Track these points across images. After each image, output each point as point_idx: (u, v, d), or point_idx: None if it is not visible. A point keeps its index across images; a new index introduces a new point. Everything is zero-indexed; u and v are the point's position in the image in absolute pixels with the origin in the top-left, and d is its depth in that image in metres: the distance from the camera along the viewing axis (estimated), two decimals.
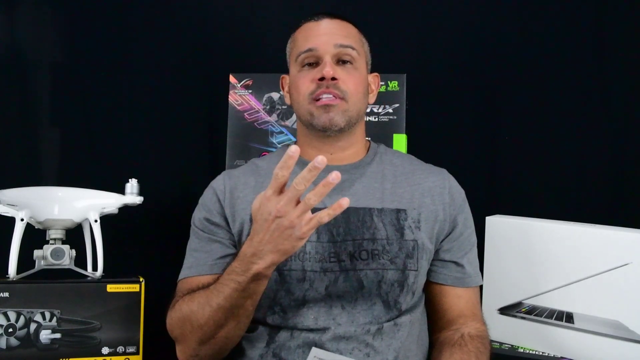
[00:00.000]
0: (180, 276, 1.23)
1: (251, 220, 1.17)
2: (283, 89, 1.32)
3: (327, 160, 1.22)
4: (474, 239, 1.28)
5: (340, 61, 1.21)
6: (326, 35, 1.21)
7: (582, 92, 1.66)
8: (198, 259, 1.22)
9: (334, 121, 1.19)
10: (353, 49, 1.22)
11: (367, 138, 1.33)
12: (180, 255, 1.27)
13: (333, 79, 1.18)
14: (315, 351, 1.00)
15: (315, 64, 1.21)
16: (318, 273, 1.14)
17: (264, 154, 1.53)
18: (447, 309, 1.24)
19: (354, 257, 1.15)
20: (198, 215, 1.25)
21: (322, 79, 1.18)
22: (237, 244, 1.20)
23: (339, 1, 1.60)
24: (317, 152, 1.23)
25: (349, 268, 1.14)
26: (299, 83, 1.22)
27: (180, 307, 1.14)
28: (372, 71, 1.31)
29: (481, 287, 1.31)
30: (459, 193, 1.26)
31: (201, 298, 1.11)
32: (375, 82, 1.31)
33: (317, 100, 1.19)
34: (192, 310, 1.11)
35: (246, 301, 1.07)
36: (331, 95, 1.18)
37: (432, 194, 1.23)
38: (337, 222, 1.17)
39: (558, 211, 1.43)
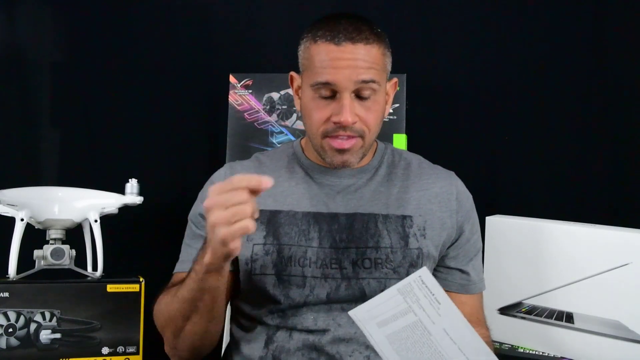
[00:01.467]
0: (175, 269, 1.24)
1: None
2: (292, 85, 1.23)
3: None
4: (479, 244, 1.25)
5: (360, 95, 1.11)
6: (347, 69, 1.08)
7: (582, 92, 1.66)
8: (189, 254, 1.21)
9: (347, 162, 1.14)
10: (374, 82, 1.10)
11: None
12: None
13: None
14: (423, 271, 0.92)
15: (331, 95, 1.11)
16: (319, 279, 1.13)
17: (267, 152, 1.52)
18: None
19: (357, 265, 1.14)
20: (194, 209, 1.23)
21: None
22: None
23: (340, 1, 1.60)
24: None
25: (351, 276, 1.13)
26: (313, 115, 1.13)
27: (160, 301, 1.15)
28: None
29: None
30: (467, 198, 1.23)
31: (173, 291, 1.11)
32: (393, 88, 1.21)
33: (332, 137, 1.12)
34: (167, 302, 1.12)
35: (204, 295, 1.05)
36: (346, 137, 1.12)
37: (439, 200, 1.20)
38: (340, 228, 1.15)
39: (558, 211, 1.43)
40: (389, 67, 1.18)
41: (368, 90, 1.10)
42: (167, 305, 1.12)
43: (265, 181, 0.91)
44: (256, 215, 0.92)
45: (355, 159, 1.15)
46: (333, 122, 1.10)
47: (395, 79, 1.22)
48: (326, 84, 1.10)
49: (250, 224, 0.91)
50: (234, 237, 0.92)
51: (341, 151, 1.12)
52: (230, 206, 0.91)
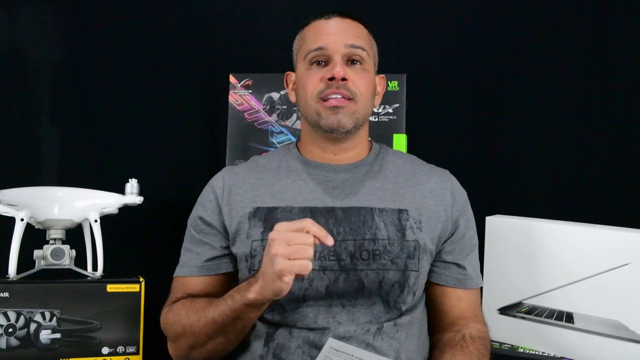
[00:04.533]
0: (175, 273, 1.26)
1: (249, 219, 1.18)
2: (287, 85, 1.30)
3: (330, 160, 1.23)
4: (475, 240, 1.28)
5: (350, 61, 1.19)
6: (337, 35, 1.19)
7: (582, 92, 1.66)
8: (189, 258, 1.24)
9: (341, 123, 1.17)
10: (363, 49, 1.20)
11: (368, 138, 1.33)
12: (180, 255, 1.27)
13: (343, 79, 1.16)
14: (331, 342, 0.98)
15: (324, 62, 1.19)
16: (317, 272, 1.14)
17: (264, 154, 1.53)
18: (449, 311, 1.24)
19: (355, 257, 1.15)
20: (194, 213, 1.26)
21: (331, 78, 1.16)
22: (233, 243, 1.20)
23: (339, 2, 1.60)
24: (321, 151, 1.23)
25: (349, 268, 1.14)
26: (307, 81, 1.19)
27: (179, 311, 1.17)
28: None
29: (481, 287, 1.31)
30: (461, 194, 1.26)
31: (200, 308, 1.13)
32: (381, 84, 1.29)
33: (326, 100, 1.17)
34: (190, 317, 1.14)
35: (236, 322, 1.09)
36: (340, 96, 1.17)
37: (433, 194, 1.22)
38: (337, 221, 1.17)
39: (558, 211, 1.43)
40: (377, 57, 1.27)
41: (357, 56, 1.19)
42: (188, 319, 1.14)
43: (330, 240, 0.99)
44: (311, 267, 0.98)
45: (349, 121, 1.18)
46: (326, 79, 1.17)
47: (382, 75, 1.29)
48: (318, 49, 1.18)
49: (309, 265, 0.97)
50: (292, 272, 0.97)
51: (335, 110, 1.17)
52: (294, 244, 0.97)
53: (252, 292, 1.03)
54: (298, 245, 0.97)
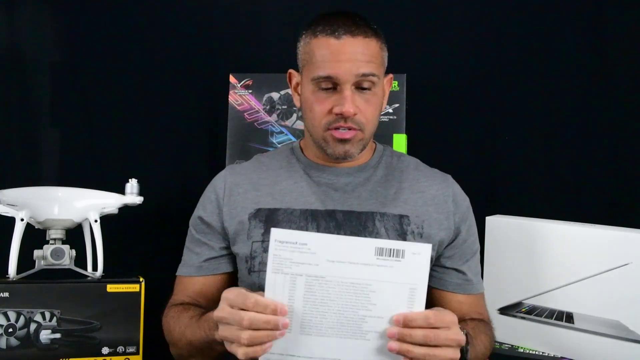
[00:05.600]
0: (177, 271, 1.26)
1: (250, 220, 1.18)
2: (290, 83, 1.25)
3: (333, 164, 1.22)
4: (476, 246, 1.27)
5: (360, 87, 1.14)
6: (348, 62, 1.11)
7: (582, 92, 1.66)
8: (190, 258, 1.24)
9: (349, 153, 1.16)
10: (374, 75, 1.13)
11: None
12: (180, 255, 1.27)
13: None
14: (275, 233, 0.85)
15: (332, 87, 1.13)
16: None
17: (267, 153, 1.52)
18: None
19: None
20: (195, 213, 1.26)
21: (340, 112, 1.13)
22: (233, 243, 1.20)
23: (340, 1, 1.60)
24: (323, 155, 1.23)
25: None
26: (315, 107, 1.15)
27: (171, 321, 1.18)
28: None
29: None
30: (463, 200, 1.25)
31: (182, 325, 1.14)
32: (388, 83, 1.24)
33: (334, 129, 1.14)
34: (176, 331, 1.15)
35: (209, 350, 1.09)
36: (348, 129, 1.14)
37: (435, 202, 1.21)
38: (338, 225, 1.16)
39: (558, 211, 1.43)
40: (386, 62, 1.21)
41: (368, 82, 1.13)
42: (175, 331, 1.15)
43: (283, 321, 0.90)
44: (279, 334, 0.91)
45: (356, 149, 1.17)
46: (335, 114, 1.13)
47: (390, 75, 1.24)
48: (328, 78, 1.12)
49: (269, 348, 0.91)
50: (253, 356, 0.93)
51: (343, 141, 1.15)
52: (249, 327, 0.90)
53: (218, 335, 0.99)
54: (255, 331, 0.91)
